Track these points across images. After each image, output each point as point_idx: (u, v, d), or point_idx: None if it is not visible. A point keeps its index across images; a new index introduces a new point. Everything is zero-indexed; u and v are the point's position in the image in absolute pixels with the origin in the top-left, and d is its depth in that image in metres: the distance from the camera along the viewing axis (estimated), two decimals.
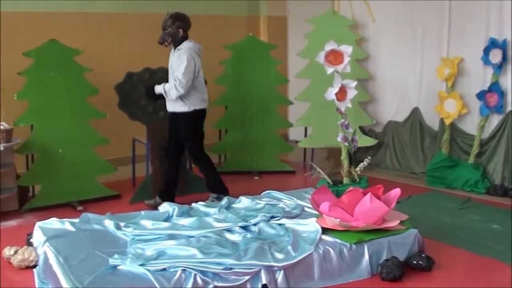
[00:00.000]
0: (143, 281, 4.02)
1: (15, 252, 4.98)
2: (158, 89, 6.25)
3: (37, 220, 5.39)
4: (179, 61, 6.13)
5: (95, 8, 8.18)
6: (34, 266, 4.84)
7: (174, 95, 6.15)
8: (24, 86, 6.62)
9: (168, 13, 6.23)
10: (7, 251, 5.04)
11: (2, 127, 6.39)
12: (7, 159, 6.51)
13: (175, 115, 6.36)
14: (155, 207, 5.92)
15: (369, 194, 4.75)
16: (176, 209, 5.38)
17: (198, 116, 6.35)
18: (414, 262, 4.74)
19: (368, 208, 4.72)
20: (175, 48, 6.27)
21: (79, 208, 6.56)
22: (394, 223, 4.85)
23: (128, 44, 8.28)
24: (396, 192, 5.00)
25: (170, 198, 6.35)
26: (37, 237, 5.00)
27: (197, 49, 6.25)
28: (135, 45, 8.42)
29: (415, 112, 8.05)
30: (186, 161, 7.20)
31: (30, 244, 5.13)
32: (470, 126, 7.45)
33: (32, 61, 6.65)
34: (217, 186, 6.57)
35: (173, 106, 6.31)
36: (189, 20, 6.28)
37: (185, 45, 6.20)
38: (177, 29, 6.17)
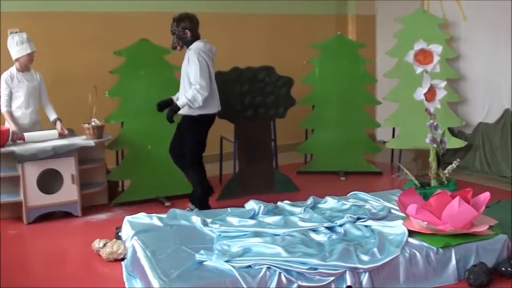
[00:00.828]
0: (228, 277, 4.06)
1: (104, 244, 5.13)
2: (181, 102, 5.93)
3: (126, 215, 5.54)
4: (188, 64, 5.93)
5: (184, 8, 8.29)
6: (123, 259, 4.98)
7: (200, 100, 5.87)
8: (115, 84, 6.81)
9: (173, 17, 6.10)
10: (97, 244, 5.20)
11: (93, 123, 6.58)
12: (98, 154, 6.72)
13: (182, 117, 6.19)
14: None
15: (457, 198, 4.66)
16: (262, 207, 5.40)
17: (203, 121, 6.10)
18: (503, 268, 4.61)
19: (457, 211, 4.63)
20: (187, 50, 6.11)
21: (167, 203, 6.71)
22: (482, 228, 4.73)
23: (215, 43, 8.42)
24: (485, 196, 4.88)
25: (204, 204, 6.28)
26: (126, 231, 5.13)
27: (208, 50, 6.03)
28: (221, 44, 8.47)
29: (507, 113, 7.84)
30: (273, 160, 7.22)
31: (118, 237, 5.28)
32: None
33: (124, 59, 6.83)
34: (198, 201, 6.27)
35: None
36: (195, 19, 6.08)
37: (194, 45, 6.01)
38: (184, 30, 5.99)
